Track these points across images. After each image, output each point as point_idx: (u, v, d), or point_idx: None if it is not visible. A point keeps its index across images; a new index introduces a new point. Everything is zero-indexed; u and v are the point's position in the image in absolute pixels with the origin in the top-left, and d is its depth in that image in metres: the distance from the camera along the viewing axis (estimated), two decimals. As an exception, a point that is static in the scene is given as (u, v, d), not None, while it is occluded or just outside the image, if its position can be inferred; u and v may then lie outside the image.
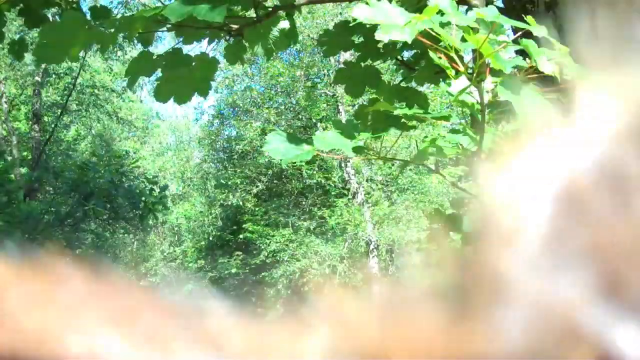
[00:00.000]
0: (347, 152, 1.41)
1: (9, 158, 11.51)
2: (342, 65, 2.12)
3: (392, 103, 1.84)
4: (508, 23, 1.25)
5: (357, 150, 1.42)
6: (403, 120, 1.61)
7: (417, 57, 2.09)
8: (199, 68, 1.78)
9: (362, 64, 2.01)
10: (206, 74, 1.79)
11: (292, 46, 2.20)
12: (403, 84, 2.06)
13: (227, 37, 1.94)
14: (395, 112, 1.41)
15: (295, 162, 1.90)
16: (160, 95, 1.78)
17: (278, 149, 1.45)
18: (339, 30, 2.07)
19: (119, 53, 13.63)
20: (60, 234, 9.72)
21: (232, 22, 1.86)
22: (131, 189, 10.00)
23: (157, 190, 10.09)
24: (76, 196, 9.81)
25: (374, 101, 1.89)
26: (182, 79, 1.77)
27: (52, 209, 9.65)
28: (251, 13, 1.90)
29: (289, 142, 1.47)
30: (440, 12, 1.18)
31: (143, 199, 9.86)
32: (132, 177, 11.10)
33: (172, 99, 1.81)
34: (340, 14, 13.31)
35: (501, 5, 2.22)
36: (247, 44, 1.97)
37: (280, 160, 1.46)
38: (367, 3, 1.17)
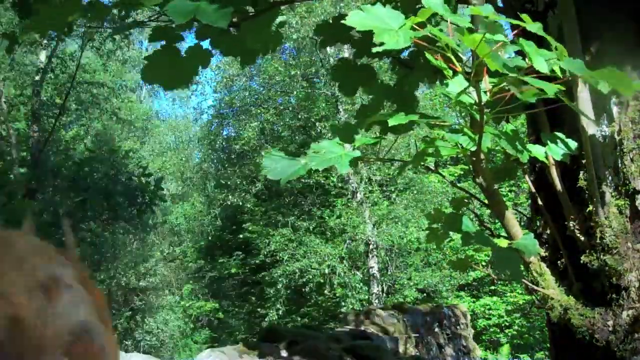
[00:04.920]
0: (342, 168, 1.45)
1: (8, 158, 11.50)
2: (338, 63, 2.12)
3: (383, 103, 1.86)
4: (503, 20, 1.25)
5: (353, 163, 1.46)
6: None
7: (414, 55, 2.09)
8: (192, 57, 1.77)
9: (358, 63, 2.01)
10: (197, 64, 1.78)
11: (278, 48, 2.21)
12: (399, 85, 2.06)
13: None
14: (390, 124, 1.42)
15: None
16: (147, 75, 1.76)
17: (275, 169, 1.53)
18: (337, 23, 2.07)
19: (118, 52, 13.62)
20: (60, 233, 9.72)
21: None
22: (129, 185, 10.00)
23: (153, 183, 10.09)
24: (74, 194, 9.81)
25: (370, 105, 1.89)
26: (172, 65, 1.75)
27: (51, 208, 9.64)
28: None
29: (285, 160, 1.53)
30: (435, 14, 1.18)
31: (140, 192, 9.87)
32: (124, 171, 11.08)
33: (169, 91, 1.80)
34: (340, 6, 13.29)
35: (501, 5, 2.22)
36: (244, 38, 1.95)
37: (279, 180, 1.53)
38: (360, 9, 1.17)
